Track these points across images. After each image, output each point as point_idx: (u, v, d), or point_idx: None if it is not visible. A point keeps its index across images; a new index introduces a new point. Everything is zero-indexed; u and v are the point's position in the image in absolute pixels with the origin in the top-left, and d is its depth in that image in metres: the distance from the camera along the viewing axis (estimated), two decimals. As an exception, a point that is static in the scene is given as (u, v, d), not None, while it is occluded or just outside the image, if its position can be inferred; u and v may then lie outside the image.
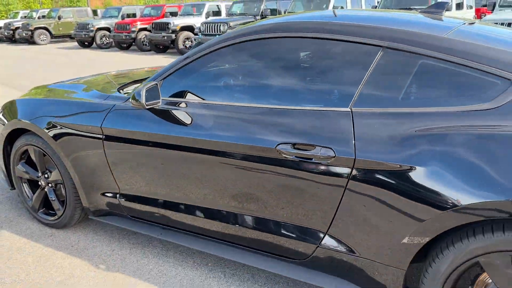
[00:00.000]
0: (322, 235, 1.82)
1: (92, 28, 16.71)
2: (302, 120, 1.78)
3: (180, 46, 13.32)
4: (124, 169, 2.30)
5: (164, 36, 13.40)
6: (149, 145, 2.15)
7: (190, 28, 13.66)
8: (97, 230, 2.80)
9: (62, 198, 2.76)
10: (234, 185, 1.97)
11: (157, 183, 2.22)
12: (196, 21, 13.84)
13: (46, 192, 2.78)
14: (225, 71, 2.22)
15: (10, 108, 2.82)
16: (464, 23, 2.00)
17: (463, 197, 1.43)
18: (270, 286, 2.19)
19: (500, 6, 8.89)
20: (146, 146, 2.16)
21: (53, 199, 2.75)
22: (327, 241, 1.81)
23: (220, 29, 11.65)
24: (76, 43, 18.82)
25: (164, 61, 12.00)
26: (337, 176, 1.69)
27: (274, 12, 12.80)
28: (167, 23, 13.39)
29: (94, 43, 17.17)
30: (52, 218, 2.79)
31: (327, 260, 1.84)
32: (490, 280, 1.53)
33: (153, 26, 13.90)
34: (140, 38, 14.88)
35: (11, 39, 21.08)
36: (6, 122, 2.77)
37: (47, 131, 2.48)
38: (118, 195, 2.42)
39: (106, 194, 2.46)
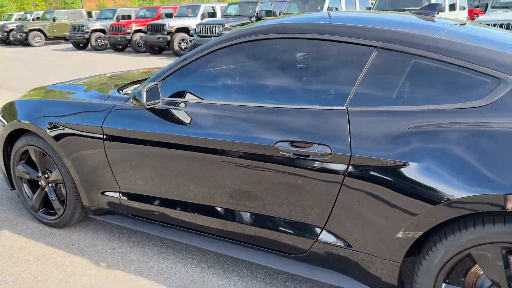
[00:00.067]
0: (319, 231, 1.88)
1: (87, 30, 16.69)
2: (299, 119, 1.83)
3: (176, 47, 13.36)
4: (125, 168, 2.34)
5: (159, 38, 13.43)
6: (149, 144, 2.19)
7: (185, 30, 13.70)
8: (97, 229, 2.84)
9: (62, 198, 2.79)
10: (233, 183, 2.01)
11: (157, 182, 2.26)
12: (192, 23, 13.87)
13: (46, 192, 2.81)
14: (223, 71, 2.27)
15: (10, 110, 2.85)
16: (456, 24, 2.06)
17: (454, 191, 1.49)
18: (268, 282, 2.23)
19: (492, 7, 9.01)
20: (146, 145, 2.20)
21: (54, 198, 2.78)
22: (324, 236, 1.87)
23: (215, 30, 11.70)
24: (71, 45, 18.78)
25: (159, 62, 12.02)
26: (333, 172, 1.74)
27: (269, 13, 12.86)
28: (163, 25, 13.42)
29: (89, 44, 17.15)
30: (53, 217, 2.82)
31: (324, 254, 1.90)
32: (482, 272, 1.59)
33: (149, 27, 13.92)
34: (136, 40, 14.90)
35: (5, 41, 20.98)
36: (6, 123, 2.80)
37: (48, 131, 2.51)
38: (118, 194, 2.46)
39: (107, 193, 2.50)
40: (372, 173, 1.66)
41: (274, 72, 2.08)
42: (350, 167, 1.70)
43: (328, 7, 11.27)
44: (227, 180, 2.03)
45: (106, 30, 16.38)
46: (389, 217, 1.65)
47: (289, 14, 11.11)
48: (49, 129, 2.52)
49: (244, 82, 2.19)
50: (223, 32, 11.49)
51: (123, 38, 14.93)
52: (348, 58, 1.87)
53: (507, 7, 8.72)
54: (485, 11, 9.17)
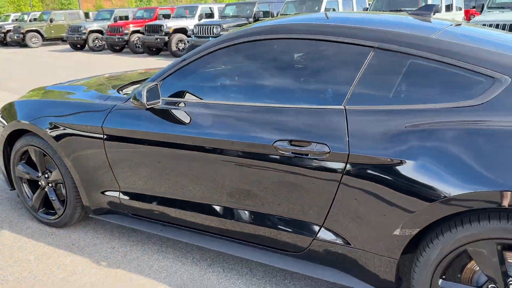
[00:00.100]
0: (317, 228, 1.90)
1: (84, 31, 16.68)
2: (298, 118, 1.86)
3: (173, 48, 13.38)
4: (125, 167, 2.36)
5: (157, 39, 13.46)
6: (149, 144, 2.21)
7: (183, 30, 13.73)
8: (97, 229, 2.86)
9: (62, 198, 2.81)
10: (233, 182, 2.04)
11: (158, 181, 2.28)
12: (189, 23, 13.91)
13: (46, 191, 2.83)
14: (222, 71, 2.30)
15: (10, 110, 2.86)
16: (452, 25, 2.09)
17: (450, 189, 1.52)
18: (267, 279, 2.26)
19: (489, 7, 9.07)
20: (146, 145, 2.22)
21: (54, 198, 2.79)
22: (323, 233, 1.89)
23: (213, 31, 11.72)
24: (68, 46, 18.76)
25: (157, 63, 12.04)
26: (331, 171, 1.77)
27: (266, 14, 12.90)
28: (160, 26, 13.44)
29: (86, 45, 17.14)
30: (53, 217, 2.84)
31: (323, 252, 1.92)
32: (478, 268, 1.62)
33: (146, 28, 13.94)
34: (133, 41, 14.91)
35: (3, 42, 20.96)
36: (6, 123, 2.81)
37: (48, 131, 2.53)
38: (118, 194, 2.48)
39: (107, 192, 2.52)
40: (369, 171, 1.69)
41: (272, 72, 2.11)
42: (348, 166, 1.73)
43: (325, 8, 11.32)
44: (226, 179, 2.05)
45: (104, 31, 16.38)
46: (386, 215, 1.68)
47: (286, 15, 11.15)
48: (49, 129, 2.53)
49: (243, 82, 2.22)
50: (221, 32, 11.51)
51: (120, 39, 14.94)
52: (346, 58, 1.90)
53: (503, 8, 8.78)
54: (481, 11, 9.22)
